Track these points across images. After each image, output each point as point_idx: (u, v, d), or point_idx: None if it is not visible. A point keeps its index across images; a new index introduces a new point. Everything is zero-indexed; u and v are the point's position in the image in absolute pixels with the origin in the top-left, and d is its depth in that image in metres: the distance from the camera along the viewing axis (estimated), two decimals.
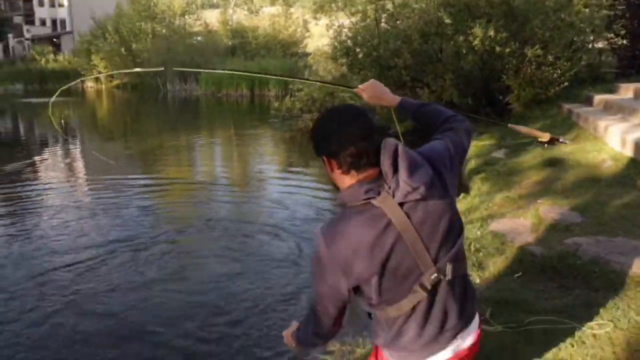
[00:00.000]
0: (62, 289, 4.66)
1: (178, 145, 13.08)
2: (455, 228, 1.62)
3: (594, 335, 2.54)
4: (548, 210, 4.68)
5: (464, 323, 1.69)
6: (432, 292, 1.59)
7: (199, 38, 35.11)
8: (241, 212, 7.16)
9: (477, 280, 3.60)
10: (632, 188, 4.99)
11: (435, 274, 1.57)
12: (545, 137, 2.24)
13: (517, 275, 3.54)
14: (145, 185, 8.56)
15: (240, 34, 35.22)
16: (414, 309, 1.60)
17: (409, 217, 1.52)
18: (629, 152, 6.02)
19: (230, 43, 34.71)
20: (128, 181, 8.74)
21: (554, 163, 6.42)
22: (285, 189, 8.12)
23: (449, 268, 1.59)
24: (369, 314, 1.72)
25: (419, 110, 1.97)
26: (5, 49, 47.80)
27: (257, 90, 25.56)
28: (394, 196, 1.49)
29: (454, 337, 1.67)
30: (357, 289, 1.60)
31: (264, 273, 4.96)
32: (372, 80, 2.07)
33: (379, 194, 1.50)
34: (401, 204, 1.51)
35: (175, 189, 8.54)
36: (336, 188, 1.63)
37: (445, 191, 1.59)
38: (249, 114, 20.55)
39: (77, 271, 5.03)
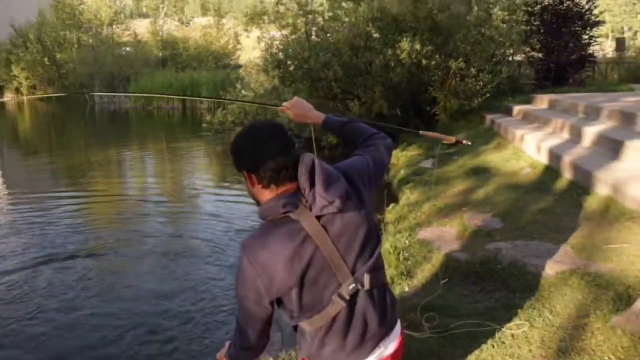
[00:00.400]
0: None
1: (106, 159, 12.65)
2: (372, 239, 1.68)
3: (513, 335, 2.69)
4: (472, 217, 4.91)
5: (385, 331, 1.76)
6: (351, 302, 1.64)
7: (127, 48, 34.11)
8: (173, 227, 7.01)
9: (406, 288, 3.72)
10: (547, 194, 5.32)
11: (353, 284, 1.62)
12: (450, 139, 2.38)
13: (443, 281, 3.68)
14: (71, 201, 8.21)
15: (171, 45, 34.56)
16: (334, 319, 1.64)
17: (326, 229, 1.57)
18: (544, 159, 6.43)
19: (160, 54, 33.95)
20: (52, 197, 8.41)
21: (478, 171, 6.74)
22: (219, 202, 8.07)
23: (366, 278, 1.64)
24: (294, 327, 1.76)
25: (343, 128, 2.03)
26: None
27: (188, 103, 25.12)
28: (311, 209, 1.54)
29: (376, 344, 1.73)
30: (279, 301, 1.64)
31: (197, 289, 4.89)
32: (295, 98, 2.11)
33: (296, 207, 1.54)
34: (318, 217, 1.55)
35: (103, 205, 8.25)
36: (256, 202, 1.66)
37: (361, 204, 1.65)
38: (181, 127, 20.19)
39: None
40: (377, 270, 1.69)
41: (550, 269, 3.46)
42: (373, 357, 1.74)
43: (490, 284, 3.46)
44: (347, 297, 1.62)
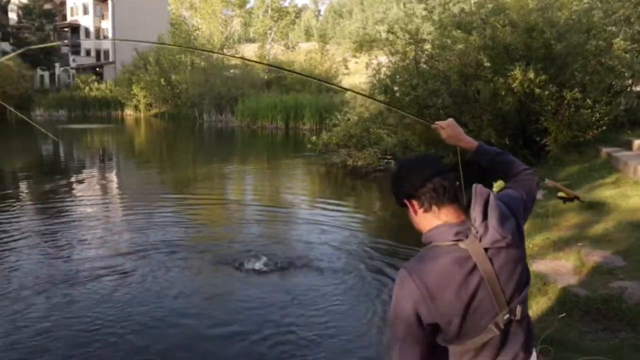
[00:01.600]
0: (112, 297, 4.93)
1: (211, 173, 13.55)
2: (525, 274, 1.76)
3: None
4: (589, 253, 4.73)
5: (526, 357, 1.83)
6: (504, 330, 1.72)
7: (236, 71, 36.09)
8: (271, 236, 7.35)
9: None
10: None
11: (508, 315, 1.70)
12: (570, 193, 2.31)
13: (561, 315, 3.61)
14: (175, 207, 8.93)
15: (276, 69, 36.08)
16: (483, 346, 1.72)
17: (491, 261, 1.65)
18: None
19: (266, 77, 35.59)
20: (159, 201, 9.22)
21: (594, 206, 6.44)
22: (319, 219, 8.25)
23: (518, 309, 1.72)
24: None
25: (495, 158, 2.10)
26: (52, 77, 49.94)
27: (291, 124, 26.05)
28: (480, 240, 1.63)
29: None
30: (435, 325, 1.70)
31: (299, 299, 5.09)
32: (450, 119, 2.16)
33: (467, 237, 1.63)
34: (486, 249, 1.64)
35: (205, 211, 8.78)
36: (420, 232, 1.76)
37: (521, 240, 1.74)
38: (284, 147, 20.97)
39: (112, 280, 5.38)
40: (525, 302, 1.77)
41: None
42: None
43: (614, 323, 3.35)
44: (502, 326, 1.70)
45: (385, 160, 11.93)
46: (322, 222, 8.08)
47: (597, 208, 6.39)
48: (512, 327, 1.75)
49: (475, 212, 1.66)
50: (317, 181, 12.37)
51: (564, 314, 3.62)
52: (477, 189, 1.69)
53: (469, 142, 2.11)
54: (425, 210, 1.72)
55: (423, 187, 1.70)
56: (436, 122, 2.15)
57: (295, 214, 8.90)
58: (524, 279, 1.75)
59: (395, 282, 1.73)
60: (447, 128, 2.11)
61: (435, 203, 1.70)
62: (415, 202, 1.73)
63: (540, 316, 3.72)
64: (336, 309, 4.92)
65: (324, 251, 6.61)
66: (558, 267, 4.58)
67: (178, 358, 4.09)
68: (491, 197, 1.67)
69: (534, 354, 1.89)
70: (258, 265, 5.96)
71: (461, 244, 1.64)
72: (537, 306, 3.87)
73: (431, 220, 1.72)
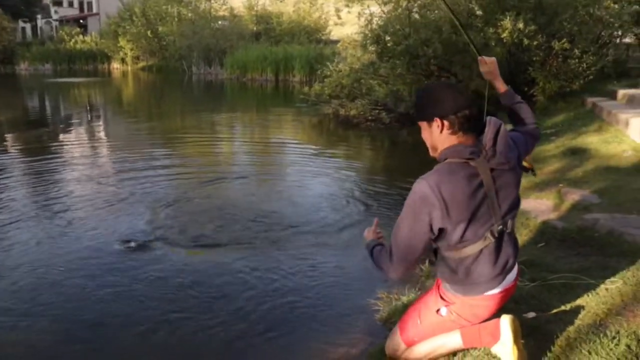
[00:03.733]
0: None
1: (199, 124, 13.57)
2: (517, 198, 2.15)
3: (607, 289, 2.95)
4: (568, 192, 5.07)
5: (512, 266, 2.21)
6: (498, 240, 2.08)
7: (224, 22, 35.48)
8: (261, 190, 7.27)
9: None
10: None
11: (501, 226, 2.06)
12: (530, 164, 2.58)
13: (540, 244, 3.96)
14: (164, 160, 8.98)
15: (265, 20, 35.56)
16: (480, 252, 2.07)
17: (494, 180, 2.00)
18: None
19: (255, 28, 35.09)
20: (148, 155, 9.30)
21: (576, 152, 6.78)
22: (316, 170, 8.41)
23: (509, 223, 2.11)
24: (434, 255, 2.21)
25: (517, 104, 2.44)
26: (34, 29, 48.69)
27: (281, 76, 25.94)
28: (488, 161, 1.97)
29: (506, 276, 2.18)
30: (441, 231, 2.03)
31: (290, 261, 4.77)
32: (494, 58, 2.47)
33: (479, 157, 1.96)
34: (491, 170, 1.98)
35: (194, 165, 8.72)
36: (431, 150, 2.11)
37: (518, 169, 2.14)
38: (274, 98, 20.99)
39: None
40: (515, 219, 2.16)
41: None
42: (501, 286, 2.19)
43: (586, 249, 3.70)
44: (496, 235, 2.05)
45: (377, 111, 12.12)
46: (314, 169, 8.32)
47: (579, 154, 6.73)
48: (504, 238, 2.11)
49: (487, 138, 1.98)
50: (309, 130, 12.55)
51: (542, 243, 3.97)
52: (492, 120, 2.01)
53: (502, 83, 2.43)
54: (452, 133, 2.02)
55: (459, 112, 1.98)
56: (481, 56, 2.44)
57: (287, 162, 9.11)
58: (516, 201, 2.13)
59: (412, 190, 2.01)
60: (490, 64, 2.42)
61: (463, 129, 2.00)
62: (446, 123, 2.01)
63: (522, 246, 4.05)
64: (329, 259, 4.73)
65: (317, 197, 6.81)
66: (539, 205, 4.92)
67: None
68: (502, 127, 2.01)
69: (516, 266, 2.26)
70: (247, 215, 5.85)
71: (472, 162, 1.96)
72: (520, 237, 4.19)
73: (451, 140, 2.03)
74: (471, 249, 2.06)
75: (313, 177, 7.83)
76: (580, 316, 2.69)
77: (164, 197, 6.64)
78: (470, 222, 1.99)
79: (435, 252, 2.21)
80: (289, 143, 10.92)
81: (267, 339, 3.34)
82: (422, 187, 1.97)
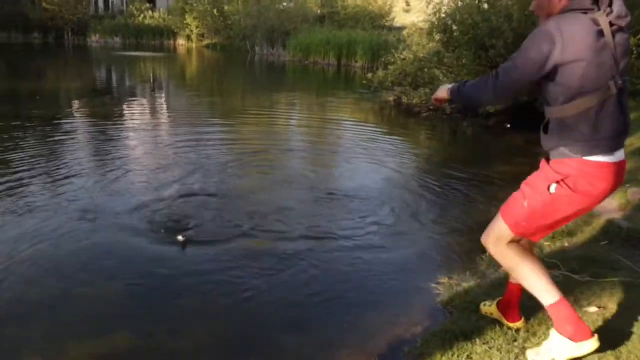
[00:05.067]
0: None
1: (259, 103, 13.88)
2: (627, 63, 2.19)
3: None
4: (636, 192, 5.01)
5: (628, 132, 2.27)
6: (618, 94, 2.14)
7: (289, 3, 35.65)
8: (316, 168, 7.40)
9: (566, 244, 4.08)
10: None
11: (621, 81, 2.13)
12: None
13: (602, 242, 3.99)
14: (221, 135, 9.21)
15: (329, 3, 35.49)
16: (604, 103, 2.12)
17: (613, 35, 2.09)
18: None
19: (319, 11, 35.10)
20: (206, 128, 9.70)
21: None
22: (374, 151, 8.43)
23: (627, 82, 2.17)
24: (546, 124, 2.27)
25: None
26: (106, 3, 50.53)
27: (343, 60, 25.95)
28: (607, 15, 2.07)
29: (624, 139, 2.26)
30: (555, 69, 2.11)
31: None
32: None
33: (599, 10, 2.08)
34: (610, 24, 2.07)
35: (249, 140, 8.99)
36: (542, 11, 2.22)
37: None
38: (336, 83, 21.07)
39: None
40: (627, 82, 2.19)
41: None
42: (616, 155, 2.23)
43: None
44: (617, 89, 2.12)
45: None
46: (372, 154, 8.29)
47: None
48: (623, 97, 2.16)
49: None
50: (369, 116, 12.61)
51: (605, 242, 4.00)
52: None
53: None
54: None
55: None
56: None
57: (345, 145, 9.19)
58: (626, 64, 2.18)
59: (532, 33, 2.16)
60: None
61: None
62: None
63: (585, 242, 4.11)
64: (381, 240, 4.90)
65: (372, 182, 6.78)
66: (604, 204, 4.81)
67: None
68: None
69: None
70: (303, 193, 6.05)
71: (591, 14, 2.08)
72: (582, 235, 4.26)
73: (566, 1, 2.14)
74: (589, 100, 2.10)
75: (373, 162, 7.84)
76: None
77: (225, 162, 7.08)
78: (590, 64, 2.06)
79: (546, 125, 2.26)
80: (349, 127, 10.99)
81: (329, 313, 3.55)
82: (545, 27, 2.11)
